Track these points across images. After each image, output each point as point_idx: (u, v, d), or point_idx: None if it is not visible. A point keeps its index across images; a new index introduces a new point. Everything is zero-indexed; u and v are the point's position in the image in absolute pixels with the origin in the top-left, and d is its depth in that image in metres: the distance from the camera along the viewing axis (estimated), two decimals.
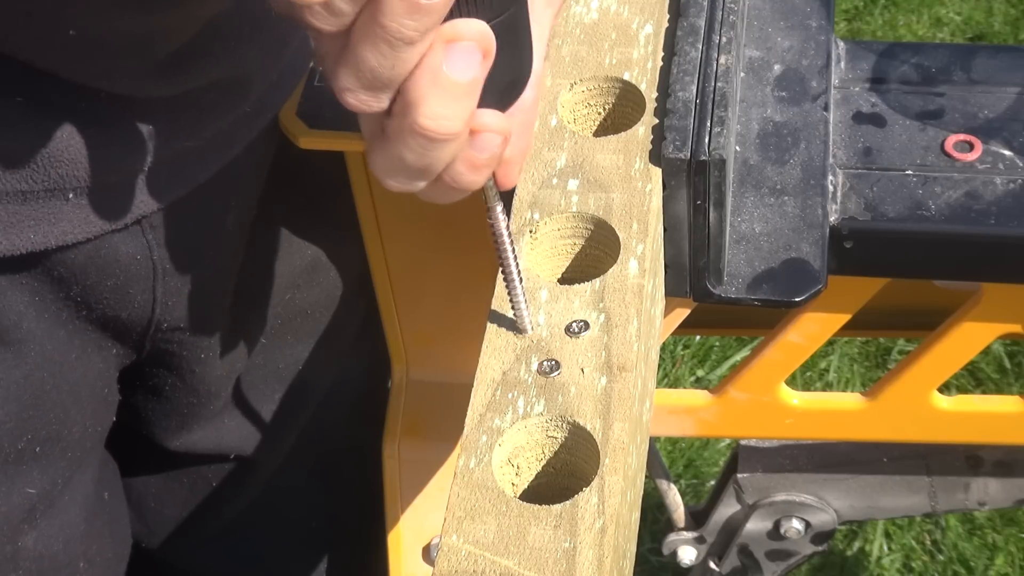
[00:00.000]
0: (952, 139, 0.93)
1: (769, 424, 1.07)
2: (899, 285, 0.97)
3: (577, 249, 0.77)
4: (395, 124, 0.62)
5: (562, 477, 0.68)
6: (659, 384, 1.69)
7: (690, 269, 0.83)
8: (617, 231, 0.75)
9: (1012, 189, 0.89)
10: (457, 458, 0.66)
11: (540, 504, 0.64)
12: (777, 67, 0.95)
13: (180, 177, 0.86)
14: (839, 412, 1.07)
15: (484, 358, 0.70)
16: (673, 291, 0.84)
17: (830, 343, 1.97)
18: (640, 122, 0.80)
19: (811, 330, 1.00)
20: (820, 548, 1.26)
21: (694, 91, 0.81)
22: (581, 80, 0.83)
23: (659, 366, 1.47)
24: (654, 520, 1.84)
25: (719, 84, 0.81)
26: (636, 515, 0.73)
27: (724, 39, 0.84)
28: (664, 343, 1.27)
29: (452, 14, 0.60)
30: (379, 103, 0.61)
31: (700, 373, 2.14)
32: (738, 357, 2.14)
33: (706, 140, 0.78)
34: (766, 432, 1.13)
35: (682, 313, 0.89)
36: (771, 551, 1.26)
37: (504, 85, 0.64)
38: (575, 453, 0.68)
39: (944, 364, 1.01)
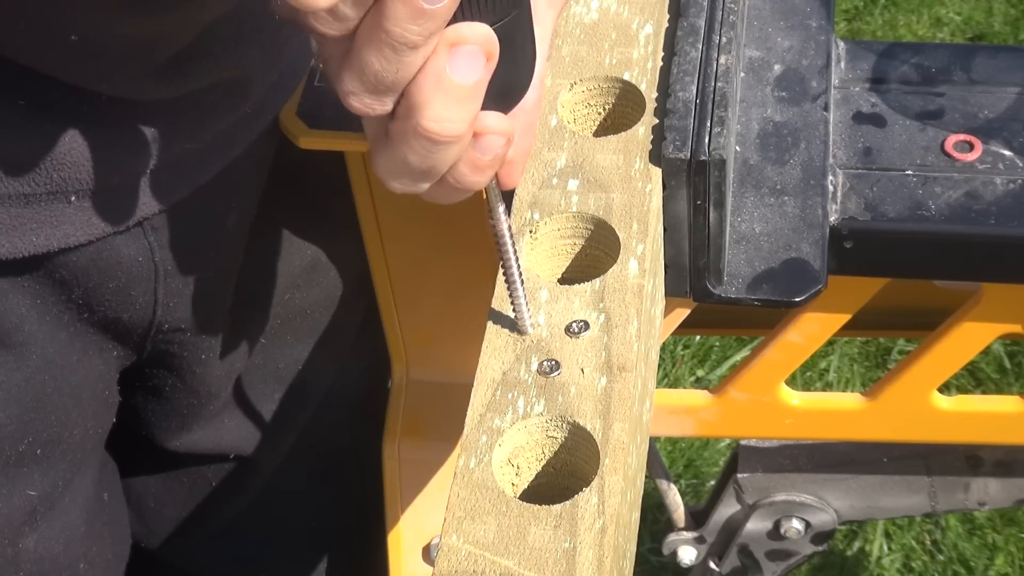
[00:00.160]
0: (952, 139, 0.93)
1: (769, 424, 1.07)
2: (899, 285, 0.97)
3: (577, 249, 0.77)
4: (399, 126, 0.62)
5: (562, 477, 0.68)
6: (659, 384, 1.69)
7: (690, 269, 0.83)
8: (617, 231, 0.75)
9: (1012, 189, 0.89)
10: (457, 458, 0.66)
11: (540, 504, 0.64)
12: (777, 67, 0.95)
13: (182, 178, 0.86)
14: (839, 412, 1.07)
15: (484, 358, 0.70)
16: (673, 291, 0.84)
17: (830, 343, 1.97)
18: (640, 122, 0.80)
19: (811, 330, 1.00)
20: (820, 548, 1.26)
21: (694, 91, 0.81)
22: (581, 80, 0.83)
23: (659, 366, 1.47)
24: (654, 520, 1.84)
25: (719, 84, 0.81)
26: (636, 515, 0.73)
27: (724, 39, 0.84)
28: (664, 343, 1.27)
29: (455, 18, 0.60)
30: (383, 106, 0.61)
31: (700, 373, 2.14)
32: (738, 357, 2.14)
33: (706, 140, 0.78)
34: (766, 432, 1.13)
35: (682, 313, 0.89)
36: (771, 551, 1.26)
37: (507, 87, 0.64)
38: (575, 453, 0.68)
39: (944, 364, 1.01)
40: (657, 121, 0.80)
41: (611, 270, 0.74)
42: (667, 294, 0.84)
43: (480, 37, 0.60)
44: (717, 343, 2.16)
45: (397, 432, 1.11)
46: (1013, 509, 1.88)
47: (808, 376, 2.10)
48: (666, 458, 2.00)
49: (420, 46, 0.59)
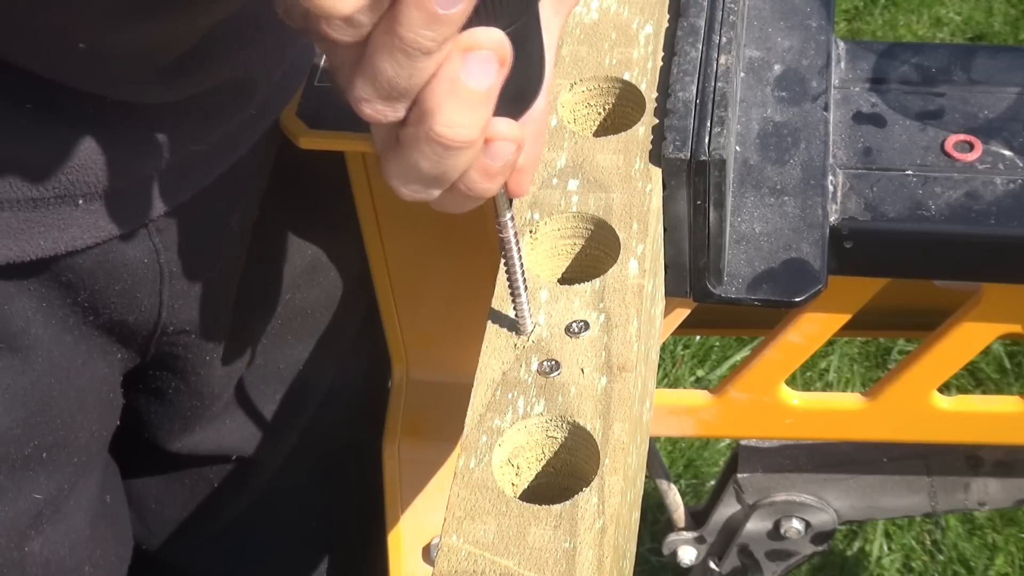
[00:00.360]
0: (952, 139, 0.93)
1: (769, 424, 1.07)
2: (899, 285, 0.97)
3: (577, 249, 0.77)
4: (411, 132, 0.61)
5: (562, 477, 0.68)
6: (659, 384, 1.69)
7: (690, 269, 0.83)
8: (617, 231, 0.75)
9: (1012, 189, 0.90)
10: (457, 458, 0.66)
11: (540, 504, 0.64)
12: (777, 67, 0.95)
13: (187, 180, 0.86)
14: (839, 412, 1.07)
15: (484, 358, 0.70)
16: (673, 291, 0.84)
17: (830, 343, 1.97)
18: (640, 122, 0.81)
19: (811, 330, 1.00)
20: (820, 548, 1.26)
21: (694, 91, 0.81)
22: (581, 80, 0.83)
23: (659, 366, 1.47)
24: (654, 520, 1.84)
25: (719, 84, 0.81)
26: (636, 515, 0.73)
27: (724, 39, 0.84)
28: (664, 343, 1.27)
29: (468, 23, 0.59)
30: (396, 113, 0.61)
31: (700, 373, 2.14)
32: (738, 357, 2.14)
33: (706, 140, 0.78)
34: (766, 432, 1.13)
35: (682, 313, 0.89)
36: (771, 551, 1.26)
37: (517, 93, 0.64)
38: (575, 453, 0.68)
39: (944, 364, 1.01)
40: (657, 121, 0.80)
41: (611, 270, 0.74)
42: (667, 294, 0.84)
43: (494, 42, 0.60)
44: (717, 343, 2.16)
45: (397, 432, 1.11)
46: (1013, 509, 1.88)
47: (808, 376, 2.10)
48: (666, 458, 2.00)
49: (434, 52, 0.58)
